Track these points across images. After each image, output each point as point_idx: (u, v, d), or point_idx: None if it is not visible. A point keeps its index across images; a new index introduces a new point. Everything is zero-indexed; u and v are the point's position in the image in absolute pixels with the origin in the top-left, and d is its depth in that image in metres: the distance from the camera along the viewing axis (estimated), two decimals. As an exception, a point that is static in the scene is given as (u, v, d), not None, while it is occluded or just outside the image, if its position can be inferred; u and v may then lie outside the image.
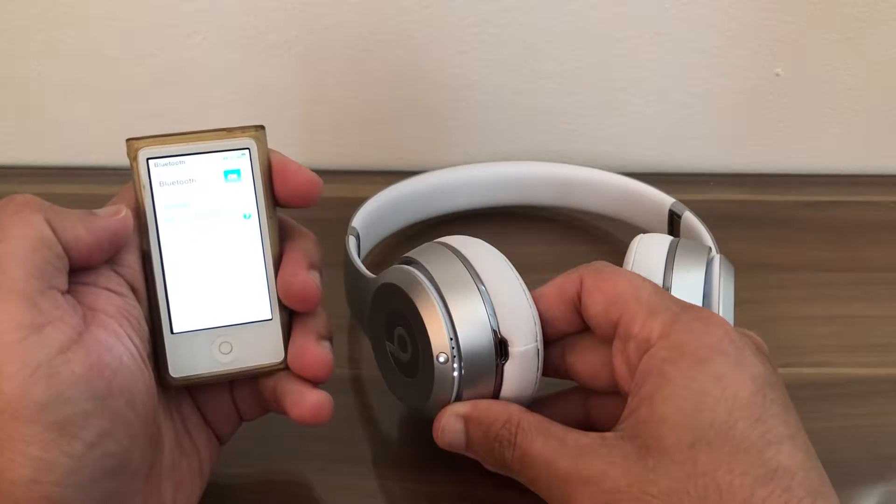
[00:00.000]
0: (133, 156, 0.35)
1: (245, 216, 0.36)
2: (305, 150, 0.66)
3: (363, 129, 0.68)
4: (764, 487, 0.29)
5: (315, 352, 0.36)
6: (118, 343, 0.31)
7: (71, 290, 0.31)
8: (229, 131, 0.36)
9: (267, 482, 0.40)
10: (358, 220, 0.51)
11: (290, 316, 0.36)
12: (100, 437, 0.29)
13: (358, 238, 0.50)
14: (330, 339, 0.37)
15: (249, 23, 0.63)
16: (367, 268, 0.44)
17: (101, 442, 0.29)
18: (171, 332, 0.35)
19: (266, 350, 0.36)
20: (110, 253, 0.33)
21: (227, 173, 0.36)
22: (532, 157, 0.66)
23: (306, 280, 0.35)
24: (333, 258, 0.48)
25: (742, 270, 0.43)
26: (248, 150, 0.36)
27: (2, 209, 0.31)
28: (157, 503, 0.33)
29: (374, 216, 0.53)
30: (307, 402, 0.35)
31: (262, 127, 0.36)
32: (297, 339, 0.36)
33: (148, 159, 0.35)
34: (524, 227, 0.60)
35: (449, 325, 0.35)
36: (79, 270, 0.32)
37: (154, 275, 0.34)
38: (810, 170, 0.69)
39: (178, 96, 0.65)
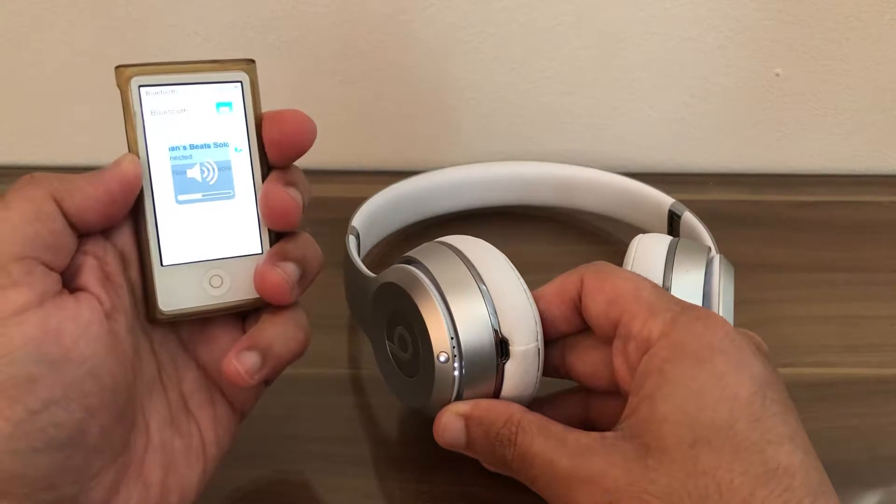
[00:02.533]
0: (124, 83, 0.34)
1: (236, 149, 0.35)
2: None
3: (363, 129, 0.68)
4: (764, 487, 0.29)
5: (269, 272, 0.35)
6: (89, 313, 0.30)
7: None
8: (221, 63, 0.35)
9: (267, 482, 0.40)
10: (358, 220, 0.51)
11: None
12: (46, 404, 0.28)
13: (358, 237, 0.50)
14: (300, 262, 0.35)
15: (249, 23, 0.63)
16: (367, 267, 0.44)
17: (47, 410, 0.28)
18: (161, 265, 0.34)
19: None
20: (127, 202, 0.33)
21: (219, 105, 0.35)
22: (532, 157, 0.66)
23: (280, 193, 0.35)
24: (334, 258, 0.48)
25: (742, 270, 0.43)
26: (240, 83, 0.35)
27: (15, 185, 0.31)
28: (140, 484, 0.32)
29: (374, 216, 0.53)
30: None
31: (253, 61, 0.36)
32: (261, 260, 0.35)
33: (140, 87, 0.34)
34: (524, 227, 0.60)
35: (450, 324, 0.35)
36: (97, 232, 0.32)
37: (144, 206, 0.34)
38: (810, 170, 0.69)
39: (178, 96, 0.65)
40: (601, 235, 0.60)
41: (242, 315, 0.37)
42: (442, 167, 0.59)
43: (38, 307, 0.29)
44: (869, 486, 0.40)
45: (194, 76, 0.35)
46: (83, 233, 0.32)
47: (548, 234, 0.60)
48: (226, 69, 0.35)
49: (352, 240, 0.48)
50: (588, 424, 0.37)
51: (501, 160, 0.62)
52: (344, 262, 0.47)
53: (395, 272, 0.37)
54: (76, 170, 0.68)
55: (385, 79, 0.65)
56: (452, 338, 0.35)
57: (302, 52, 0.64)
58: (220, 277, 0.35)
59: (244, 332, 0.36)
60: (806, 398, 0.43)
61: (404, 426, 0.43)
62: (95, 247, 0.32)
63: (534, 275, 0.37)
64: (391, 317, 0.37)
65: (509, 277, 0.36)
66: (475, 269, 0.36)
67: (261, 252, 0.35)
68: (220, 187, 0.35)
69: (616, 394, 0.36)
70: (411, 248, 0.38)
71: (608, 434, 0.32)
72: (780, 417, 0.30)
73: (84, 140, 0.67)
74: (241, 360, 0.33)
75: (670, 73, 0.65)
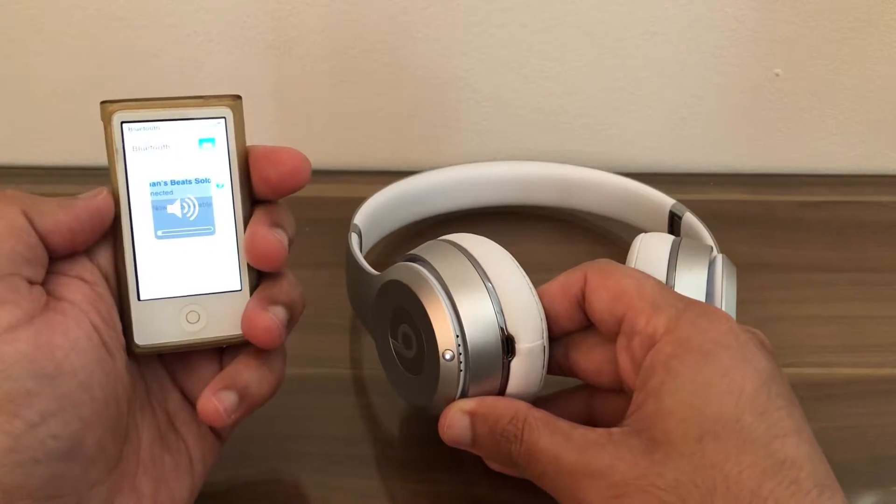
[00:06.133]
0: (107, 119, 0.34)
1: (218, 185, 0.35)
2: (305, 150, 0.66)
3: (363, 129, 0.68)
4: (772, 479, 0.29)
5: (258, 316, 0.34)
6: (76, 327, 0.30)
7: (44, 280, 0.31)
8: (205, 99, 0.35)
9: (268, 483, 0.40)
10: (360, 218, 0.51)
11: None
12: (43, 417, 0.28)
13: (360, 236, 0.50)
14: (288, 306, 0.35)
15: (249, 23, 0.63)
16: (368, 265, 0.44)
17: (45, 422, 0.28)
18: (138, 300, 0.34)
19: (234, 320, 0.35)
20: (94, 234, 0.33)
21: (201, 141, 0.35)
22: (532, 157, 0.66)
23: (267, 235, 0.34)
24: (334, 257, 0.48)
25: (742, 270, 0.43)
26: (224, 119, 0.35)
27: None
28: (133, 497, 0.32)
29: (376, 214, 0.53)
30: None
31: (239, 97, 0.35)
32: (250, 303, 0.35)
33: (122, 123, 0.34)
34: (524, 227, 0.60)
35: (455, 322, 0.35)
36: (64, 257, 0.32)
37: (123, 240, 0.34)
38: (810, 170, 0.69)
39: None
40: (602, 235, 0.60)
41: (220, 347, 0.37)
42: (442, 167, 0.59)
43: (28, 324, 0.29)
44: (869, 486, 0.40)
45: (177, 112, 0.35)
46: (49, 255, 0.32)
47: (548, 234, 0.60)
48: (209, 105, 0.35)
49: (354, 238, 0.48)
50: (591, 422, 0.37)
51: (501, 160, 0.62)
52: (346, 260, 0.47)
53: (399, 270, 0.37)
54: (75, 169, 0.68)
55: (385, 79, 0.65)
56: (458, 336, 0.35)
57: (302, 52, 0.64)
58: (197, 313, 0.35)
59: (221, 363, 0.36)
60: (806, 398, 0.42)
61: (406, 426, 0.43)
62: (83, 269, 0.32)
63: (534, 274, 0.37)
64: (395, 314, 0.37)
65: (515, 275, 0.36)
66: (481, 267, 0.36)
67: (240, 289, 0.35)
68: (200, 223, 0.35)
69: (619, 391, 0.36)
70: (413, 247, 0.38)
71: (614, 430, 0.32)
72: (786, 411, 0.31)
73: (83, 140, 0.67)
74: (220, 400, 0.34)
75: (670, 73, 0.65)
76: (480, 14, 0.63)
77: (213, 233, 0.35)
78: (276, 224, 0.35)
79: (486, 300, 0.35)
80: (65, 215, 0.31)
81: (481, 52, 0.64)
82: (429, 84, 0.66)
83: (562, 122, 0.67)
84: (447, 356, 0.35)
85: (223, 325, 0.35)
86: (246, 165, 0.35)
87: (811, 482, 0.29)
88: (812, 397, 0.45)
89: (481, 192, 0.59)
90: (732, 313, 0.40)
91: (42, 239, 0.31)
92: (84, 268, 0.33)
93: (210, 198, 0.35)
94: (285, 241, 0.35)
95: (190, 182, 0.35)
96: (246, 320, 0.35)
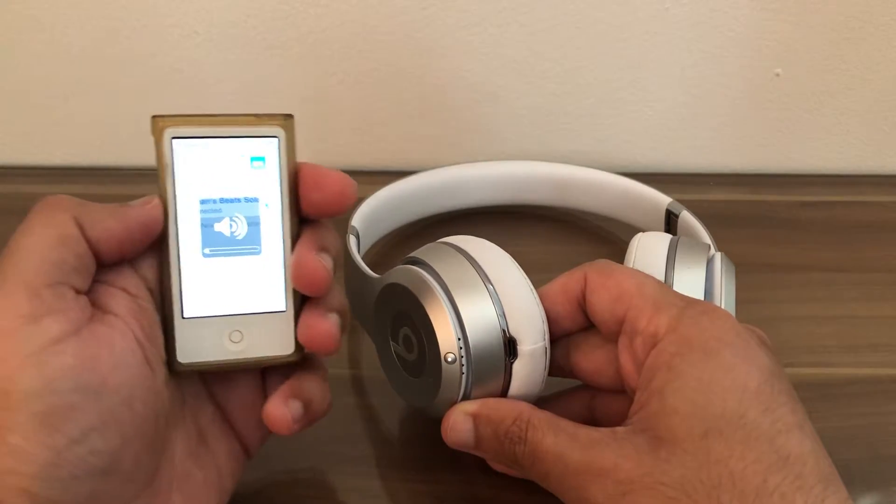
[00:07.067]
0: (158, 134, 0.34)
1: (266, 205, 0.35)
2: (306, 150, 0.66)
3: (363, 129, 0.68)
4: (777, 474, 0.29)
5: (318, 323, 0.34)
6: (122, 341, 0.30)
7: (90, 290, 0.31)
8: (258, 117, 0.35)
9: (268, 483, 0.40)
10: (357, 219, 0.51)
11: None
12: (85, 432, 0.28)
13: (358, 237, 0.50)
14: (341, 314, 0.36)
15: (249, 23, 0.63)
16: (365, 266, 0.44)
17: (86, 438, 0.28)
18: (182, 317, 0.34)
19: (277, 341, 0.35)
20: (143, 243, 0.33)
21: (253, 160, 0.35)
22: (531, 157, 0.66)
23: (314, 262, 0.34)
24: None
25: (742, 270, 0.43)
26: (276, 139, 0.35)
27: (35, 207, 0.31)
28: None
29: (373, 215, 0.53)
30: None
31: (291, 116, 0.35)
32: (305, 312, 0.35)
33: (173, 139, 0.34)
34: (522, 227, 0.60)
35: (457, 325, 0.35)
36: (111, 265, 0.32)
37: (170, 257, 0.34)
38: (810, 170, 0.69)
39: (178, 96, 0.65)
40: (600, 234, 0.60)
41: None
42: (442, 167, 0.59)
43: (75, 335, 0.29)
44: (869, 485, 0.40)
45: (229, 129, 0.34)
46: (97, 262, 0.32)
47: (546, 233, 0.60)
48: (262, 123, 0.35)
49: (352, 240, 0.48)
50: (592, 423, 0.37)
51: (501, 160, 0.62)
52: (345, 262, 0.47)
53: (400, 273, 0.37)
54: (76, 169, 0.68)
55: (385, 79, 0.65)
56: (459, 338, 0.35)
57: (302, 52, 0.64)
58: (241, 333, 0.35)
59: (263, 379, 0.36)
60: (806, 398, 0.43)
61: (406, 426, 0.43)
62: (127, 281, 0.32)
63: (533, 275, 0.37)
64: (396, 317, 0.37)
65: (516, 277, 0.36)
66: (482, 270, 0.36)
67: (284, 310, 0.35)
68: (247, 242, 0.35)
69: (620, 392, 0.36)
70: (410, 248, 0.38)
71: (619, 429, 0.32)
72: (788, 407, 0.31)
73: (83, 140, 0.67)
74: (291, 407, 0.34)
75: (670, 73, 0.65)
76: (480, 14, 0.63)
77: (259, 253, 0.35)
78: (322, 248, 0.35)
79: (487, 303, 0.35)
80: (116, 223, 0.31)
81: (481, 52, 0.64)
82: (429, 84, 0.66)
83: (562, 122, 0.67)
84: (449, 359, 0.35)
85: (266, 346, 0.35)
86: (295, 184, 0.35)
87: (815, 477, 0.29)
88: (812, 397, 0.44)
89: (480, 192, 0.59)
90: (732, 311, 0.40)
91: (91, 247, 0.31)
92: (129, 280, 0.32)
93: (258, 217, 0.35)
94: (330, 265, 0.35)
95: (239, 200, 0.35)
96: (306, 328, 0.35)
